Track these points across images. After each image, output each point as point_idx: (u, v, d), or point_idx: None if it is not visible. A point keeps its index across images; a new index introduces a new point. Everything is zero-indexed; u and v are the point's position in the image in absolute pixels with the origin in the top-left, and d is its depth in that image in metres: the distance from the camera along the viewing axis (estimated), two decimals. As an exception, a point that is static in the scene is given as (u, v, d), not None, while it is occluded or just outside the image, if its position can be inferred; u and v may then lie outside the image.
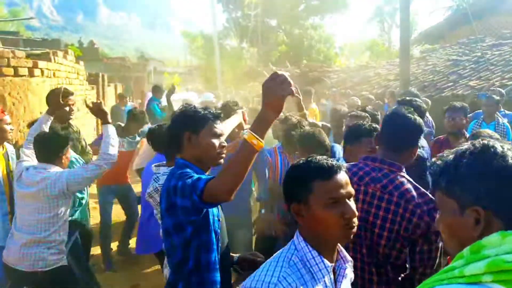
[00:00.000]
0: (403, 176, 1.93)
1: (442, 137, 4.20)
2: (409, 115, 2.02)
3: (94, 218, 5.94)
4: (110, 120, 3.22)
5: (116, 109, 11.05)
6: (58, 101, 3.33)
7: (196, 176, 1.74)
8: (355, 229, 1.36)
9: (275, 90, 1.51)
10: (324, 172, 1.35)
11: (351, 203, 1.37)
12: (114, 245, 5.20)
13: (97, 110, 3.24)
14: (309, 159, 1.41)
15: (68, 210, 2.98)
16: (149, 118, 7.02)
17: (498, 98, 5.30)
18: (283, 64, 21.18)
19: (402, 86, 7.15)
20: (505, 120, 5.31)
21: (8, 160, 3.38)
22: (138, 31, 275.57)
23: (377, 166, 1.98)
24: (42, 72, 5.23)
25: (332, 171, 1.36)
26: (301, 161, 1.43)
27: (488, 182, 0.98)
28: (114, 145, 3.04)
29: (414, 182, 1.92)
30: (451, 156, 1.06)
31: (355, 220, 1.36)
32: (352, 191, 1.39)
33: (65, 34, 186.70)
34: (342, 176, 1.37)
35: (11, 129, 3.38)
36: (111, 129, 3.13)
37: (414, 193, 1.86)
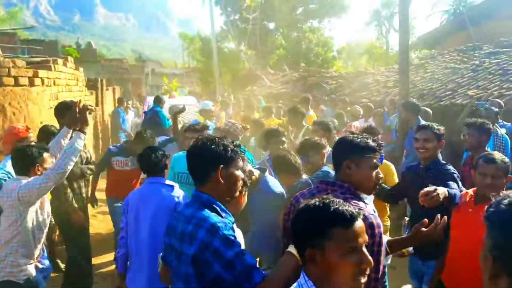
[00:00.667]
0: (342, 194, 1.93)
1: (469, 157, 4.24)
2: (348, 134, 2.07)
3: (94, 227, 5.94)
4: (86, 131, 3.16)
5: (115, 114, 11.00)
6: (75, 115, 3.23)
7: (247, 259, 1.67)
8: (365, 279, 1.36)
9: None
10: (344, 220, 1.34)
11: (366, 251, 1.37)
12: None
13: (82, 113, 3.16)
14: (326, 201, 1.39)
15: (29, 223, 2.92)
16: (155, 125, 7.00)
17: (497, 109, 5.32)
18: (281, 68, 21.21)
19: (401, 95, 7.17)
20: (503, 131, 5.33)
21: None
22: (135, 32, 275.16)
23: (323, 187, 2.03)
24: (43, 81, 5.22)
25: (352, 218, 1.35)
26: (316, 203, 1.40)
27: (502, 235, 1.00)
28: (73, 158, 2.98)
29: (354, 200, 1.90)
30: (499, 198, 1.07)
31: (369, 269, 1.36)
32: (366, 238, 1.39)
33: (62, 34, 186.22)
34: (360, 223, 1.37)
35: None
36: (80, 142, 3.06)
37: None
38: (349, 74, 14.59)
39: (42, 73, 5.20)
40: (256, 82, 18.31)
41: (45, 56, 6.20)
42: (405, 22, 6.97)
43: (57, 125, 4.12)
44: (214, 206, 1.83)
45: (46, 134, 3.96)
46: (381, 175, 2.08)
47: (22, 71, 4.78)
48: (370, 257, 1.35)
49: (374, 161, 1.99)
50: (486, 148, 4.06)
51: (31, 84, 4.94)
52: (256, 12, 23.34)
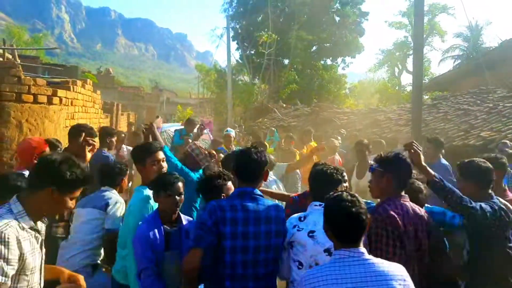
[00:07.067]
0: None
1: None
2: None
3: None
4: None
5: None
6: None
7: None
8: None
9: None
10: None
11: None
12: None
13: None
14: None
15: None
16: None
17: (511, 151, 5.26)
18: (293, 102, 21.46)
19: (413, 133, 7.16)
20: None
21: None
22: (153, 62, 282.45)
23: None
24: (61, 100, 5.35)
25: None
26: None
27: None
28: None
29: None
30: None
31: None
32: None
33: (83, 60, 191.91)
34: None
35: None
36: None
37: None
38: (361, 111, 14.66)
39: (61, 92, 5.33)
40: (268, 115, 18.48)
41: (65, 77, 6.38)
42: (420, 51, 7.13)
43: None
44: None
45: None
46: None
47: (41, 89, 4.92)
48: None
49: None
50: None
51: (49, 102, 5.07)
52: (272, 48, 23.86)
